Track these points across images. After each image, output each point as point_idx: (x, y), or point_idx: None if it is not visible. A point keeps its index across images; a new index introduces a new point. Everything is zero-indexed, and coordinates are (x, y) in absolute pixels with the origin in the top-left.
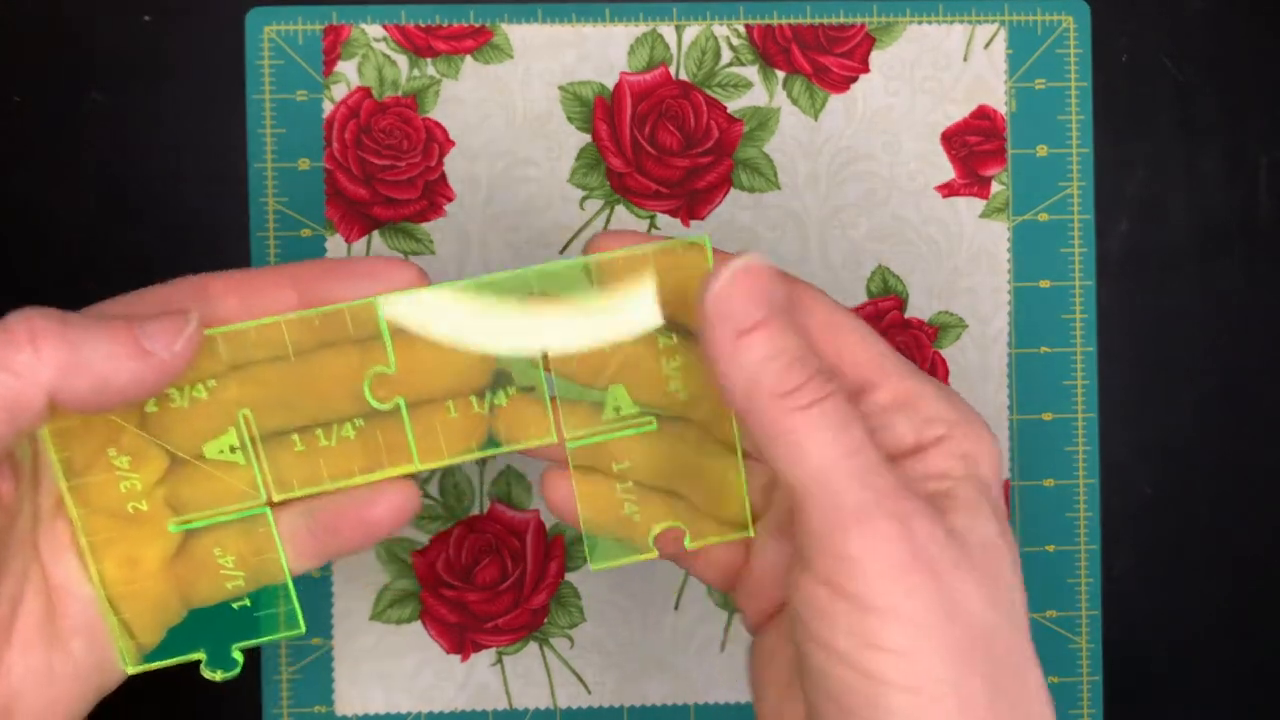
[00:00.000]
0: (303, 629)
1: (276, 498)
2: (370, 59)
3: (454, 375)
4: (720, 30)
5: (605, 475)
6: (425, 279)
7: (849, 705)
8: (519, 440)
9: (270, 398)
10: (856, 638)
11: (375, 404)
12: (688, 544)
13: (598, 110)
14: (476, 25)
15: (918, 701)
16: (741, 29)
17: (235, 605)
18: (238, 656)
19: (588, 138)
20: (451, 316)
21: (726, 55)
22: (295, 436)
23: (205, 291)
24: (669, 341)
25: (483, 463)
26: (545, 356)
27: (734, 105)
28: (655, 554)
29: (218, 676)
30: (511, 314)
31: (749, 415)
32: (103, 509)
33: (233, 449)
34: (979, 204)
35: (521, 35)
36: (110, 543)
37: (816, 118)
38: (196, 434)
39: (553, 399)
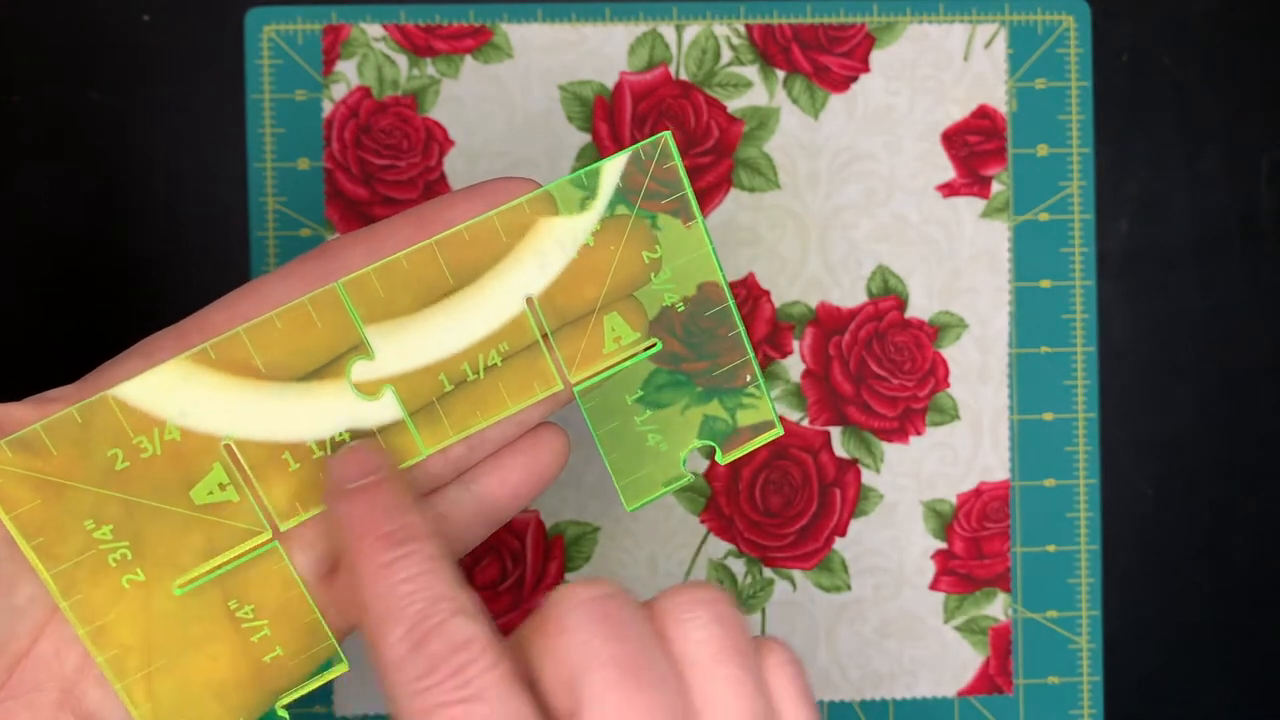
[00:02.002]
0: (346, 665)
1: (283, 527)
2: (370, 58)
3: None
4: (720, 30)
5: (621, 411)
6: (537, 185)
7: None
8: (526, 398)
9: (251, 419)
10: None
11: (363, 398)
12: (720, 459)
13: (598, 110)
14: (476, 25)
15: None
16: (741, 28)
17: (267, 658)
18: (283, 714)
19: (588, 138)
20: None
21: (727, 55)
22: (287, 455)
23: (328, 253)
24: (652, 254)
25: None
26: (534, 305)
27: (734, 105)
28: (691, 478)
29: None
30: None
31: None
32: (95, 589)
33: (222, 486)
34: (979, 204)
35: (521, 35)
36: (113, 624)
37: (817, 117)
38: (178, 480)
39: (546, 339)
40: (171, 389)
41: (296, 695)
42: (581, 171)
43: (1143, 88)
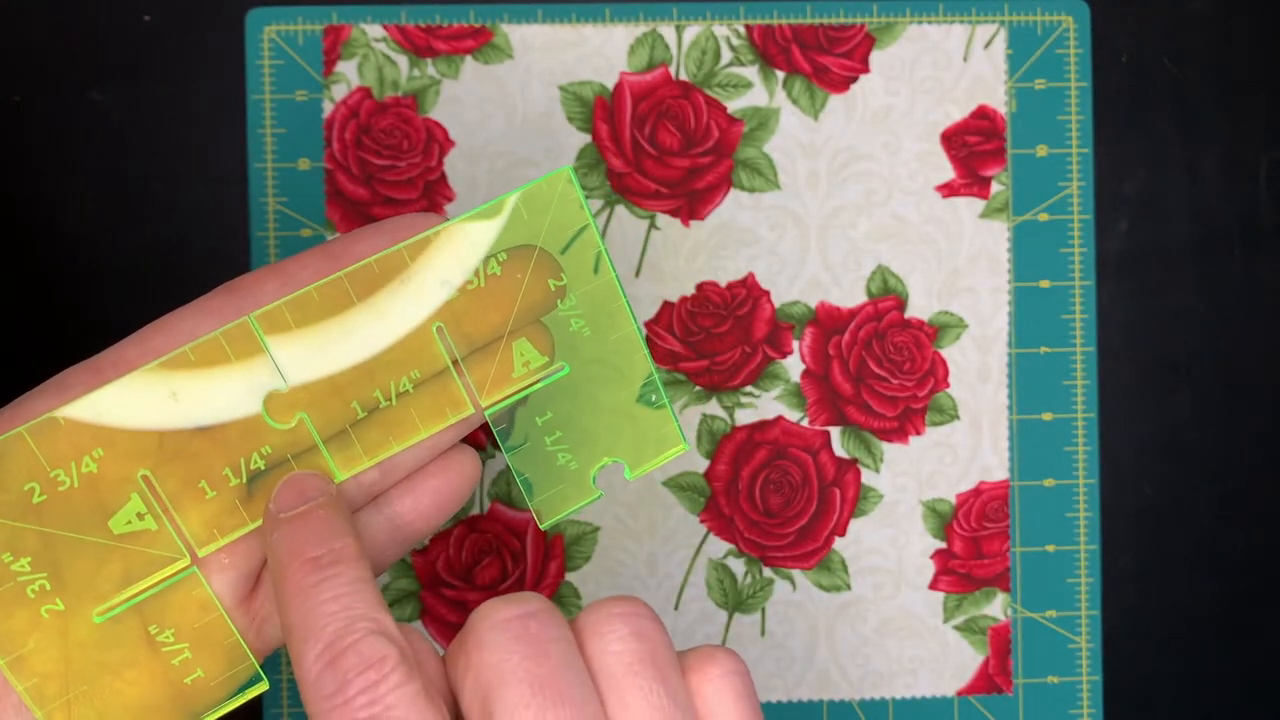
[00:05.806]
0: (267, 684)
1: (201, 553)
2: (370, 59)
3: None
4: (720, 30)
5: (532, 433)
6: (445, 218)
7: None
8: (438, 423)
9: (165, 451)
10: None
11: (277, 425)
12: (628, 475)
13: (598, 110)
14: (476, 25)
15: None
16: (741, 29)
17: (188, 680)
18: None
19: (588, 138)
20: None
21: (726, 55)
22: (204, 483)
23: (240, 290)
24: (558, 282)
25: (482, 461)
26: (444, 332)
27: (734, 105)
28: (600, 494)
29: None
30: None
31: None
32: (13, 620)
33: (140, 515)
34: (979, 204)
35: (521, 35)
36: (32, 654)
37: (816, 118)
38: (96, 511)
39: (456, 364)
40: (88, 422)
41: (217, 715)
42: (486, 205)
43: (1143, 88)
